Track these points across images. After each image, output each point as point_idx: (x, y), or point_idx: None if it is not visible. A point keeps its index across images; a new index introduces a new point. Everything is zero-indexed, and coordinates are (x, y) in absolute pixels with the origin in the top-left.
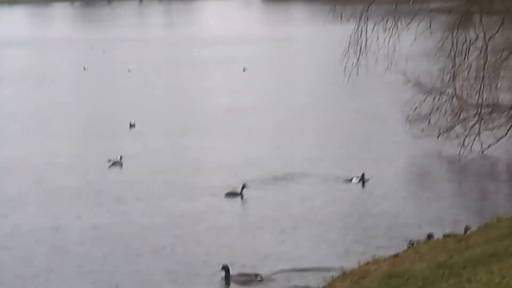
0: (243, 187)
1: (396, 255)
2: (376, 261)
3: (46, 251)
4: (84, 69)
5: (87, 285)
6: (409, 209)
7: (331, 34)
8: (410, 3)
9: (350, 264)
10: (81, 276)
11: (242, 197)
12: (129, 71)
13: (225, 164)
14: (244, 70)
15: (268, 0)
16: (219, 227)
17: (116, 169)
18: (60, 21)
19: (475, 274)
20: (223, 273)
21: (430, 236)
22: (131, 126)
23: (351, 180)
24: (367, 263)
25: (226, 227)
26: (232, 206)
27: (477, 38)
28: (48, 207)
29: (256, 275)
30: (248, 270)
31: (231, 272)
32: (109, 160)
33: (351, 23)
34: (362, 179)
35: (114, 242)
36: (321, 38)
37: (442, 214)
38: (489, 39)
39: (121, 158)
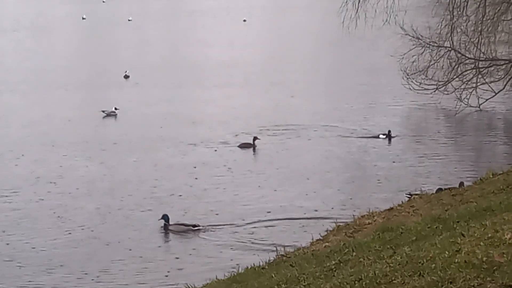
0: (254, 139)
1: (391, 209)
2: (371, 215)
3: (32, 199)
4: (83, 19)
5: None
6: (404, 163)
7: None
8: None
9: (346, 217)
10: (60, 226)
11: (254, 149)
12: (128, 21)
13: (223, 116)
14: (244, 21)
15: None
16: (215, 180)
17: (110, 120)
18: None
19: (468, 228)
20: (162, 222)
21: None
22: (126, 77)
23: (378, 136)
24: (362, 216)
25: (224, 180)
26: (236, 157)
27: None
28: (41, 156)
29: (194, 226)
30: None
31: (170, 222)
32: (104, 111)
33: None
34: (389, 136)
35: (103, 194)
36: None
37: (438, 168)
38: None
39: (115, 109)
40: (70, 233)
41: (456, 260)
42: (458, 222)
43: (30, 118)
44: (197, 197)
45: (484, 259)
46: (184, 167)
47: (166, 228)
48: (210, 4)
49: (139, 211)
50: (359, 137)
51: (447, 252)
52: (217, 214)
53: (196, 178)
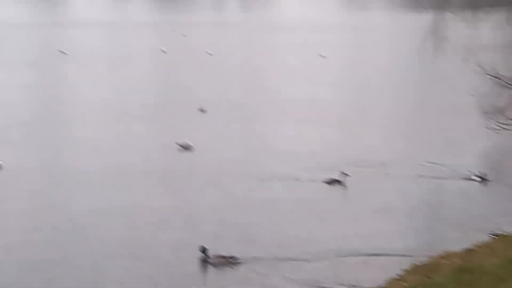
0: (342, 175)
1: (468, 250)
2: (449, 255)
3: (115, 230)
4: (162, 51)
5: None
6: (483, 203)
7: (408, 22)
8: None
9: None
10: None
11: (342, 184)
12: (209, 55)
13: (297, 151)
14: (321, 56)
15: None
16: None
17: (185, 153)
18: (137, 3)
19: None
20: (200, 254)
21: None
22: (202, 110)
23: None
24: (441, 257)
25: (303, 213)
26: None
27: None
28: (118, 187)
29: (232, 257)
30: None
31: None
32: (179, 144)
33: (427, 13)
34: (483, 177)
35: (178, 225)
36: (398, 26)
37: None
38: None
39: (190, 142)
40: (141, 263)
41: None
42: None
43: (106, 148)
44: (270, 228)
45: None
46: (264, 200)
47: (204, 260)
48: (288, 39)
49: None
50: (441, 177)
51: None
52: (284, 247)
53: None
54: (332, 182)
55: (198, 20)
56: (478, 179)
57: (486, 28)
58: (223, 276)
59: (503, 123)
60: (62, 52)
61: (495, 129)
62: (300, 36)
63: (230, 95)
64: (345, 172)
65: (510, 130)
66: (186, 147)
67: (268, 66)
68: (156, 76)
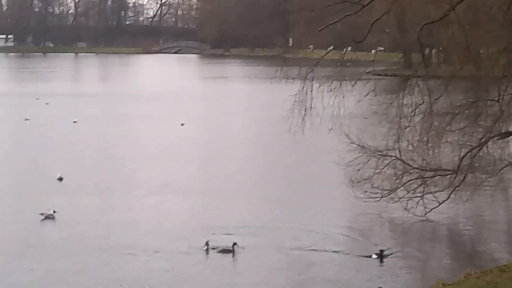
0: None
1: None
2: None
3: None
4: (26, 120)
5: None
6: (353, 273)
7: (275, 93)
8: (347, 65)
9: None
10: None
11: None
12: (74, 122)
13: (165, 222)
14: (182, 125)
15: (204, 58)
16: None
17: (49, 223)
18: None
19: None
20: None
21: None
22: (59, 179)
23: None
24: None
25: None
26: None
27: (423, 102)
28: None
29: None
30: None
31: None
32: (42, 214)
33: (293, 84)
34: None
35: None
36: (261, 96)
37: (385, 278)
38: (433, 102)
39: (54, 212)
40: None
41: None
42: None
43: None
44: None
45: None
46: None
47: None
48: (148, 108)
49: None
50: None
51: None
52: None
53: None
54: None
55: (60, 91)
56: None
57: (352, 98)
58: None
59: (369, 192)
60: None
61: (361, 198)
62: (161, 105)
63: (88, 164)
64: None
65: (376, 198)
66: (49, 217)
67: (128, 134)
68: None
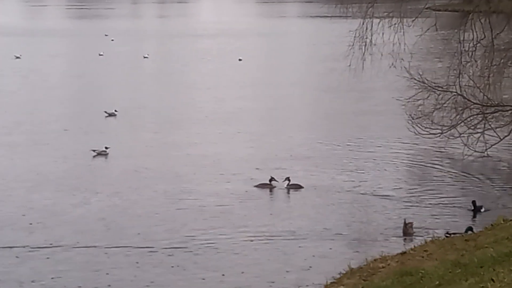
0: (271, 180)
1: (404, 253)
2: (384, 258)
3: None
4: (100, 55)
5: None
6: (412, 208)
7: (330, 30)
8: None
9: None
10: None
11: (271, 190)
12: (144, 58)
13: (222, 158)
14: (240, 60)
15: None
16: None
17: (101, 159)
18: (56, 12)
19: (496, 274)
20: None
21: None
22: (113, 115)
23: None
24: (375, 260)
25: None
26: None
27: (484, 37)
28: (29, 198)
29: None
30: None
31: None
32: (94, 151)
33: (350, 22)
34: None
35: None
36: (319, 33)
37: (446, 214)
38: (495, 37)
39: (106, 148)
40: None
41: None
42: (482, 267)
43: (21, 155)
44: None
45: None
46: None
47: None
48: (207, 45)
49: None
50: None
51: None
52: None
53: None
54: (261, 186)
55: (122, 28)
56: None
57: (413, 34)
58: None
59: (429, 128)
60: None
61: (422, 134)
62: (219, 42)
63: (147, 99)
64: (273, 177)
65: (435, 134)
66: (102, 154)
67: (188, 71)
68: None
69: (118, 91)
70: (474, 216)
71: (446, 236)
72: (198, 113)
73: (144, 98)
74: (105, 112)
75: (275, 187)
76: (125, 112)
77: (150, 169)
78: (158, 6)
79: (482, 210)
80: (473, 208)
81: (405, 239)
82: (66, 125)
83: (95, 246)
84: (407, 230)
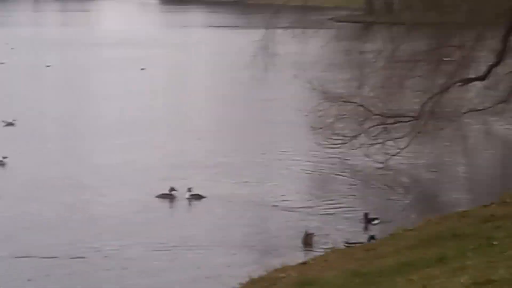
0: (171, 190)
1: (304, 263)
2: (284, 269)
3: None
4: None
5: None
6: (313, 219)
7: (238, 40)
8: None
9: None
10: None
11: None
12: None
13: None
14: (142, 69)
15: (166, 3)
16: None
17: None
18: None
19: (395, 284)
20: None
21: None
22: (9, 124)
23: None
24: (275, 270)
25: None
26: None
27: (385, 48)
28: None
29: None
30: None
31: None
32: None
33: (254, 32)
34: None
35: None
36: (223, 43)
37: (345, 224)
38: (396, 49)
39: (4, 158)
40: None
41: None
42: (381, 276)
43: None
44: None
45: None
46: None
47: None
48: (109, 54)
49: None
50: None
51: None
52: None
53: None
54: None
55: (24, 35)
56: None
57: (316, 45)
58: None
59: (331, 138)
60: None
61: (323, 144)
62: (121, 51)
63: (43, 108)
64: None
65: (337, 144)
66: None
67: (91, 80)
68: None
69: (19, 100)
70: (366, 228)
71: (346, 246)
72: (100, 122)
73: (46, 107)
74: (3, 121)
75: (175, 197)
76: (26, 121)
77: (50, 179)
78: (60, 14)
79: (375, 222)
80: (364, 219)
81: (306, 249)
82: None
83: None
84: (308, 241)
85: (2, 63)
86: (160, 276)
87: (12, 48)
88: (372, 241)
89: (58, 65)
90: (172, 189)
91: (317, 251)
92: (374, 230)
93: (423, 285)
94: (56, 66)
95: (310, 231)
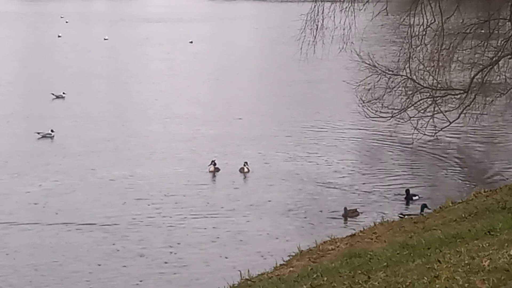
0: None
1: (353, 235)
2: (334, 241)
3: None
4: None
5: None
6: (362, 191)
7: (286, 13)
8: None
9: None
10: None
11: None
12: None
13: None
14: (190, 42)
15: None
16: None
17: (46, 141)
18: None
19: (443, 255)
20: None
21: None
22: (58, 97)
23: None
24: (325, 242)
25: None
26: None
27: (434, 21)
28: None
29: None
30: None
31: None
32: (39, 133)
33: (301, 5)
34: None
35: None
36: (271, 17)
37: (396, 196)
38: (444, 22)
39: (52, 131)
40: None
41: (436, 286)
42: (429, 248)
43: None
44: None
45: (466, 285)
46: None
47: None
48: (157, 28)
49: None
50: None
51: (425, 278)
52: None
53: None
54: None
55: (72, 10)
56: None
57: (364, 18)
58: None
59: (379, 111)
60: None
61: (371, 117)
62: (170, 26)
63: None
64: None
65: (386, 117)
66: (47, 136)
67: (138, 53)
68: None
69: (70, 74)
70: (407, 204)
71: (400, 217)
72: (150, 96)
73: (96, 83)
74: (52, 94)
75: (219, 170)
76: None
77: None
78: None
79: (415, 198)
80: (405, 196)
81: (347, 222)
82: (12, 107)
83: (37, 223)
84: (349, 215)
85: (60, 36)
86: (214, 242)
87: (66, 22)
88: (426, 209)
89: (114, 39)
90: (214, 162)
91: (366, 222)
92: (407, 208)
93: (471, 257)
94: (112, 40)
95: (351, 208)
